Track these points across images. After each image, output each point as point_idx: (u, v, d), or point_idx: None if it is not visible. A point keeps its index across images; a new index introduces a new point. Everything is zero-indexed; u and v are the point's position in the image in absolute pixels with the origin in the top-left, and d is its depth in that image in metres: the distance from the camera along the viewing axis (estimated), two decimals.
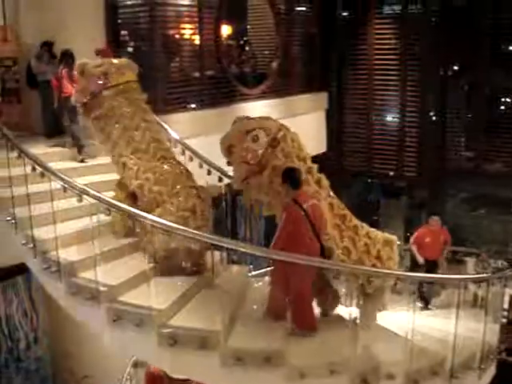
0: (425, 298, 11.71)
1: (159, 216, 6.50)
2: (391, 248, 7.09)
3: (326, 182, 6.92)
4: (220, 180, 8.09)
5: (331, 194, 6.96)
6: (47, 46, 9.87)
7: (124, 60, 7.73)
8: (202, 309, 6.58)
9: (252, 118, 6.89)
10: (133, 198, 7.32)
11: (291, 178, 6.33)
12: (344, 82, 17.30)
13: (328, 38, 16.73)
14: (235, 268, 8.03)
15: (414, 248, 12.29)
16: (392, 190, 18.02)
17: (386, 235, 7.19)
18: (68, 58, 9.13)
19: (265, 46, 15.41)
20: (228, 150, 6.69)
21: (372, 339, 6.66)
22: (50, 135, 9.66)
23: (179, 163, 7.58)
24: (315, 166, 6.86)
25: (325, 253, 6.46)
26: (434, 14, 16.19)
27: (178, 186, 7.13)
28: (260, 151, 6.50)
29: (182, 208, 6.92)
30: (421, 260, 12.17)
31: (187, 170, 7.52)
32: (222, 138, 6.73)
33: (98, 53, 8.25)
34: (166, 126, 8.80)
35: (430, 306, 11.82)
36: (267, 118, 6.90)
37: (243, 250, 6.53)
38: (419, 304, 10.87)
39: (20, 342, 9.57)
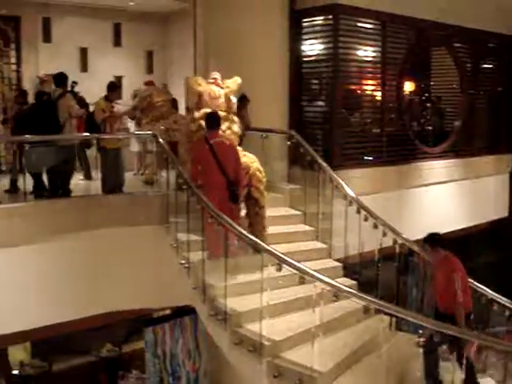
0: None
1: None
2: None
3: None
4: (395, 242, 7.81)
5: None
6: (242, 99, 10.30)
7: (162, 87, 11.42)
8: (365, 377, 6.32)
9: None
10: None
11: (208, 119, 7.83)
12: None
13: None
14: (402, 336, 7.65)
15: None
16: None
17: None
18: (246, 100, 10.34)
19: (448, 104, 14.92)
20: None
21: None
22: None
23: None
24: None
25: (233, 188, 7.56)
26: None
27: None
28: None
29: None
30: None
31: None
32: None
33: (146, 83, 11.72)
34: (341, 181, 8.71)
35: None
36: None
37: (405, 317, 6.22)
38: None
39: (181, 381, 9.78)
